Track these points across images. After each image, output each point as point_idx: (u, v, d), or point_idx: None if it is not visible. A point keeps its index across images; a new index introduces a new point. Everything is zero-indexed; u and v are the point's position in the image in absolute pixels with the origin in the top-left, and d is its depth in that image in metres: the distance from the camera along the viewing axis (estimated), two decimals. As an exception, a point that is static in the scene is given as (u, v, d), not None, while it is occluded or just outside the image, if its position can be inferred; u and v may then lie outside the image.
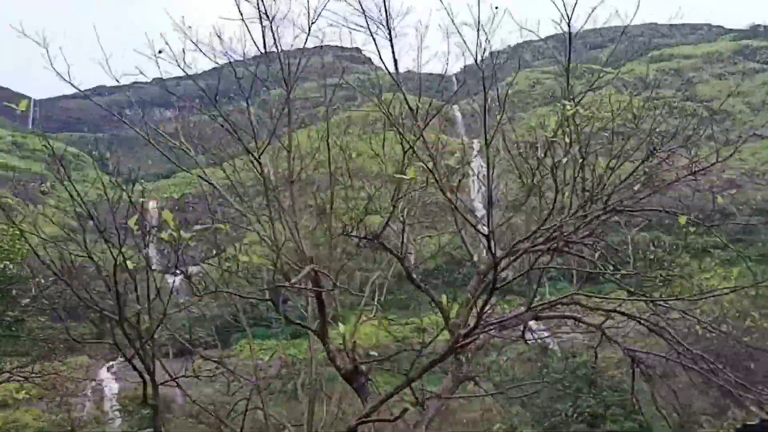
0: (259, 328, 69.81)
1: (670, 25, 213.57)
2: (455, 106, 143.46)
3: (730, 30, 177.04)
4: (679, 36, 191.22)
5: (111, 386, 64.93)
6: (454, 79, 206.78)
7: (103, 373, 68.05)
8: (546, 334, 67.70)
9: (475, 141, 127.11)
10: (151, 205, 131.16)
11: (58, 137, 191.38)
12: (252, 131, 19.92)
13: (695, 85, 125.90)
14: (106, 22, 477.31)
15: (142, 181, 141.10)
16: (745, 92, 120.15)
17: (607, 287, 73.32)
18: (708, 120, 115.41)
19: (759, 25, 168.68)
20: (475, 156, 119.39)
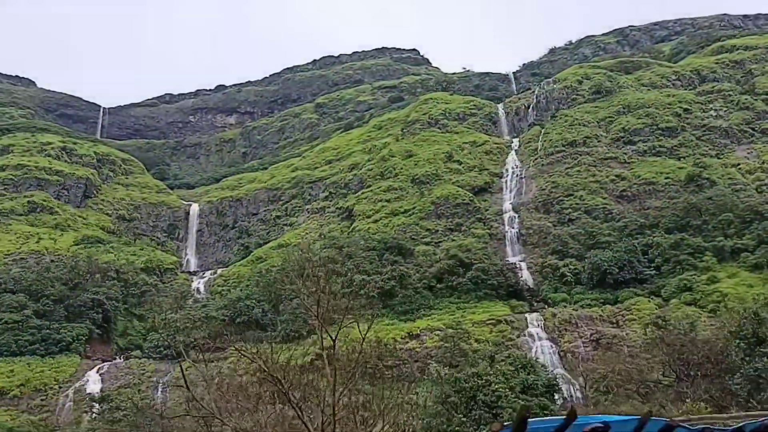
0: (255, 332, 72.13)
1: (744, 16, 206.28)
2: (499, 105, 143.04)
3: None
4: (753, 27, 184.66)
5: (93, 387, 67.58)
6: (511, 76, 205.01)
7: (92, 374, 70.79)
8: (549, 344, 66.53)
9: (515, 140, 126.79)
10: (194, 208, 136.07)
11: (126, 144, 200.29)
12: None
13: (755, 77, 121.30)
14: (172, 30, 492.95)
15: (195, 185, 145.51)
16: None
17: (624, 293, 72.28)
18: (765, 114, 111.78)
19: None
20: (513, 155, 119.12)
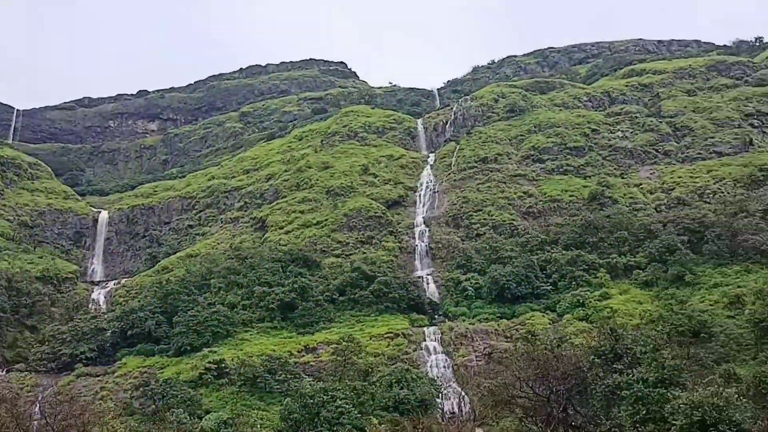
0: (147, 345, 70.21)
1: (658, 41, 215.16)
2: (419, 120, 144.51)
3: (721, 46, 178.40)
4: (666, 52, 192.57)
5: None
6: (435, 92, 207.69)
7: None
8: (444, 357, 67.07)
9: (432, 155, 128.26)
10: (103, 215, 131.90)
11: (40, 148, 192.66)
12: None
13: (662, 100, 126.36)
14: (92, 33, 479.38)
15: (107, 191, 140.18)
16: (711, 108, 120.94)
17: (521, 307, 73.61)
18: (668, 136, 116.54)
19: (743, 41, 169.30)
20: (428, 170, 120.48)
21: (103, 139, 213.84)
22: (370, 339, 68.93)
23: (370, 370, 52.57)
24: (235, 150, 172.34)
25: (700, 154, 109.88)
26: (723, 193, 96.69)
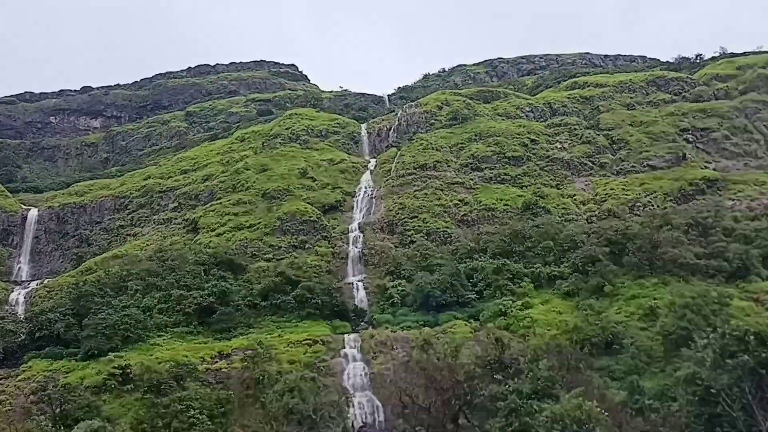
0: (56, 348, 67.43)
1: (605, 55, 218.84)
2: (363, 126, 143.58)
3: (665, 62, 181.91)
4: (612, 66, 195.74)
5: None
6: (386, 98, 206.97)
7: None
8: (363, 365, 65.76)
9: (373, 160, 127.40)
10: (32, 213, 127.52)
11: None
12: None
13: (601, 113, 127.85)
14: (38, 23, 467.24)
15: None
16: (648, 122, 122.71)
17: (445, 315, 72.76)
18: (605, 148, 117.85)
19: (685, 58, 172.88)
20: (367, 175, 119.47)
21: (44, 135, 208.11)
22: (288, 346, 67.23)
23: (278, 378, 51.04)
24: (178, 150, 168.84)
25: (634, 167, 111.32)
26: (653, 206, 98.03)
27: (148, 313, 73.19)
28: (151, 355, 64.58)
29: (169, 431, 25.26)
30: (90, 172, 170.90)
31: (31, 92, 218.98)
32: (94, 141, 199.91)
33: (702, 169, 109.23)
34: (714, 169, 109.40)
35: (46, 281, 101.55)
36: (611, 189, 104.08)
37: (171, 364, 59.73)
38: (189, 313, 73.26)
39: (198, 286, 77.07)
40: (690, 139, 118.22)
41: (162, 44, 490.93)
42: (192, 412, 24.73)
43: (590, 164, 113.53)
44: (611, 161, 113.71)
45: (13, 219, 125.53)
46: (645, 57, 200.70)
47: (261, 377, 53.14)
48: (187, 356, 64.73)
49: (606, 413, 26.16)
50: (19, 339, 70.35)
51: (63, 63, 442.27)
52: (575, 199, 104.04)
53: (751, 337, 23.36)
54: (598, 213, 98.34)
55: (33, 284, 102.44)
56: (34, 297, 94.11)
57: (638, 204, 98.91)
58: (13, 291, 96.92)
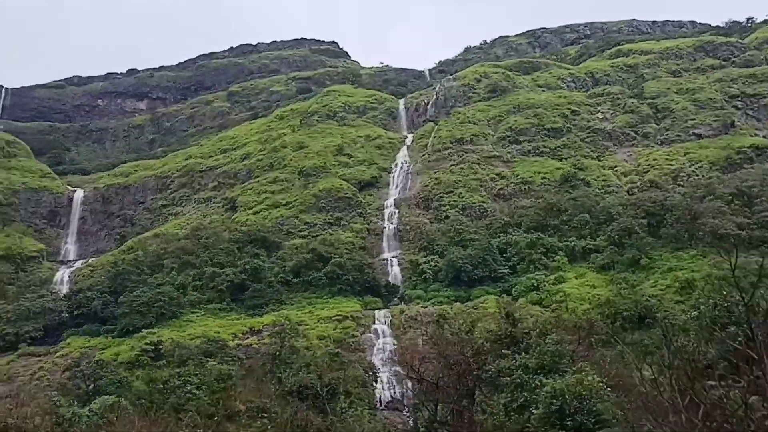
0: (94, 325, 68.98)
1: (652, 22, 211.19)
2: (401, 101, 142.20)
3: (716, 27, 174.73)
4: (660, 33, 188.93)
5: None
6: (426, 73, 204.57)
7: None
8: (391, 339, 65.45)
9: (410, 135, 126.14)
10: (77, 194, 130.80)
11: (28, 126, 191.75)
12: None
13: (646, 82, 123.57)
14: (84, 10, 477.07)
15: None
16: (694, 89, 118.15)
17: (477, 291, 71.78)
18: (649, 117, 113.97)
19: (736, 22, 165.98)
20: (404, 150, 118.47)
21: (92, 118, 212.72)
22: (318, 321, 67.60)
23: (293, 354, 51.19)
24: (221, 130, 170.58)
25: (679, 136, 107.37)
26: (697, 176, 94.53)
27: (182, 291, 74.46)
28: (184, 332, 65.77)
29: (165, 406, 25.55)
30: (135, 153, 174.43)
31: (79, 76, 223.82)
32: (140, 123, 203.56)
33: (752, 137, 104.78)
34: (764, 137, 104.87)
35: (90, 260, 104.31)
36: (654, 159, 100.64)
37: (201, 340, 60.70)
38: (222, 290, 74.24)
39: (231, 263, 77.95)
40: (739, 106, 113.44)
41: (206, 25, 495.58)
42: (189, 387, 24.92)
43: (633, 134, 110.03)
44: (655, 131, 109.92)
45: (60, 200, 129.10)
46: (695, 22, 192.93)
47: (278, 353, 53.44)
48: (219, 332, 65.73)
49: (609, 389, 25.18)
50: (59, 317, 72.38)
51: (109, 48, 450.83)
52: (616, 171, 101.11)
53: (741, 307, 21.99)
54: (640, 184, 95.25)
55: (78, 263, 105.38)
56: (78, 276, 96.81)
57: (682, 174, 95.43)
58: (58, 270, 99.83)
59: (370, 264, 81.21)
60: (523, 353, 31.48)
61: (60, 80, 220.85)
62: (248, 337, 65.76)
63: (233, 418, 27.33)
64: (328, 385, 39.89)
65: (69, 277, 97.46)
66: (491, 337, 34.58)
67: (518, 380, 28.38)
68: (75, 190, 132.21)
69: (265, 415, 29.48)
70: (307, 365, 40.14)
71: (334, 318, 68.14)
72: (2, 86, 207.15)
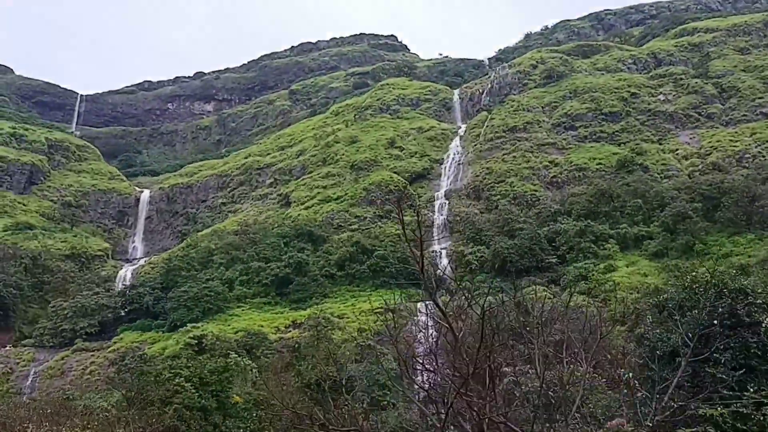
0: (146, 320, 70.67)
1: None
2: (456, 91, 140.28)
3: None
4: (732, 10, 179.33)
5: None
6: (486, 62, 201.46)
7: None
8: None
9: (463, 126, 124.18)
10: (144, 195, 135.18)
11: (103, 131, 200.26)
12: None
13: (712, 60, 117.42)
14: (152, 15, 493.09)
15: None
16: (763, 66, 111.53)
17: (524, 281, 69.87)
18: (714, 98, 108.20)
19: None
20: (456, 141, 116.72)
21: (162, 121, 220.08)
22: (360, 314, 67.35)
23: (298, 345, 51.23)
24: (283, 128, 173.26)
25: (745, 116, 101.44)
26: (764, 157, 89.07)
27: (228, 285, 75.75)
28: (228, 325, 66.85)
29: (151, 399, 25.73)
30: (202, 154, 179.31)
31: (150, 81, 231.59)
32: (207, 124, 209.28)
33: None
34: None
35: (153, 258, 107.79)
36: (717, 141, 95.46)
37: (243, 334, 61.53)
38: (267, 284, 75.10)
39: (276, 257, 78.74)
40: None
41: (270, 25, 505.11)
42: (178, 380, 25.03)
43: (696, 116, 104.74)
44: (720, 111, 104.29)
45: (128, 201, 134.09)
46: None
47: (296, 345, 53.47)
48: (262, 326, 66.47)
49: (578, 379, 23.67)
50: (113, 313, 74.88)
51: (177, 53, 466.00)
52: (677, 154, 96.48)
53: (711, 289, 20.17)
54: (702, 167, 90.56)
55: (141, 261, 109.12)
56: (139, 273, 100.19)
57: (747, 156, 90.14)
58: (122, 268, 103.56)
59: (413, 256, 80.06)
60: (530, 344, 30.08)
61: (131, 86, 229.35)
62: (290, 330, 66.21)
63: (229, 411, 27.24)
64: (349, 378, 39.61)
65: (131, 274, 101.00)
66: (504, 328, 33.29)
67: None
68: (142, 191, 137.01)
69: (263, 407, 29.29)
70: (327, 357, 39.88)
71: (376, 310, 67.67)
72: (78, 94, 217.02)
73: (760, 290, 19.73)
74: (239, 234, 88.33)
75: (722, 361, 18.04)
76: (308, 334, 60.66)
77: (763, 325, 18.28)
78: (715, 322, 18.14)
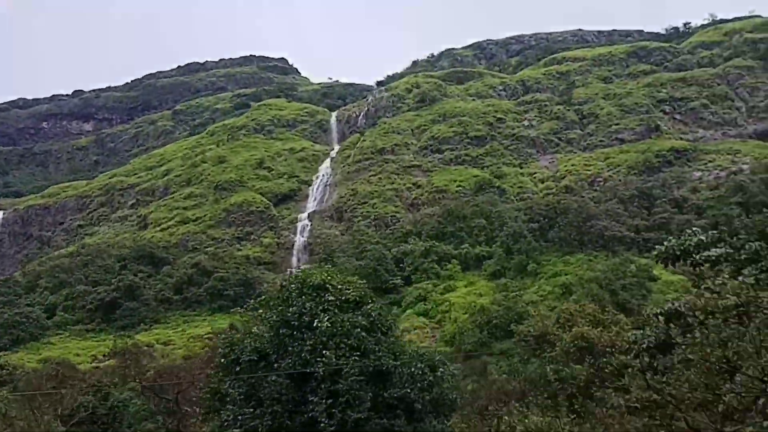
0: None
1: (598, 31, 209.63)
2: (333, 113, 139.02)
3: (656, 34, 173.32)
4: (606, 42, 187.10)
5: None
6: (375, 87, 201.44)
7: None
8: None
9: (336, 147, 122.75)
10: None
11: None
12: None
13: (576, 88, 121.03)
14: (31, 31, 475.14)
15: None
16: (622, 95, 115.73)
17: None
18: (574, 124, 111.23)
19: (676, 28, 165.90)
20: (327, 162, 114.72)
21: (36, 140, 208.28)
22: (188, 340, 63.31)
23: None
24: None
25: (602, 141, 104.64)
26: (614, 180, 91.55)
27: (49, 312, 69.99)
28: (41, 354, 61.24)
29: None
30: (74, 175, 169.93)
31: (25, 99, 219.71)
32: (84, 144, 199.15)
33: (677, 140, 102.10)
34: (691, 140, 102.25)
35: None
36: (572, 165, 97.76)
37: (47, 365, 56.21)
38: (91, 309, 69.84)
39: (106, 281, 73.58)
40: (667, 110, 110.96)
41: (156, 44, 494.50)
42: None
43: (556, 141, 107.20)
44: (579, 136, 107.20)
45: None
46: (642, 31, 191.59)
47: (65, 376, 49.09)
48: (78, 355, 61.31)
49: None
50: None
51: (57, 68, 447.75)
52: (534, 177, 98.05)
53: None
54: (556, 190, 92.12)
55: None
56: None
57: (599, 179, 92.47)
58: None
59: (260, 278, 76.94)
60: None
61: (4, 103, 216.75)
62: (110, 359, 61.23)
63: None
64: (113, 407, 35.80)
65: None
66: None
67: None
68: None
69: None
70: (91, 385, 35.99)
71: (205, 336, 63.83)
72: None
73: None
74: (72, 256, 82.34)
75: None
76: (114, 363, 56.03)
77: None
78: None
